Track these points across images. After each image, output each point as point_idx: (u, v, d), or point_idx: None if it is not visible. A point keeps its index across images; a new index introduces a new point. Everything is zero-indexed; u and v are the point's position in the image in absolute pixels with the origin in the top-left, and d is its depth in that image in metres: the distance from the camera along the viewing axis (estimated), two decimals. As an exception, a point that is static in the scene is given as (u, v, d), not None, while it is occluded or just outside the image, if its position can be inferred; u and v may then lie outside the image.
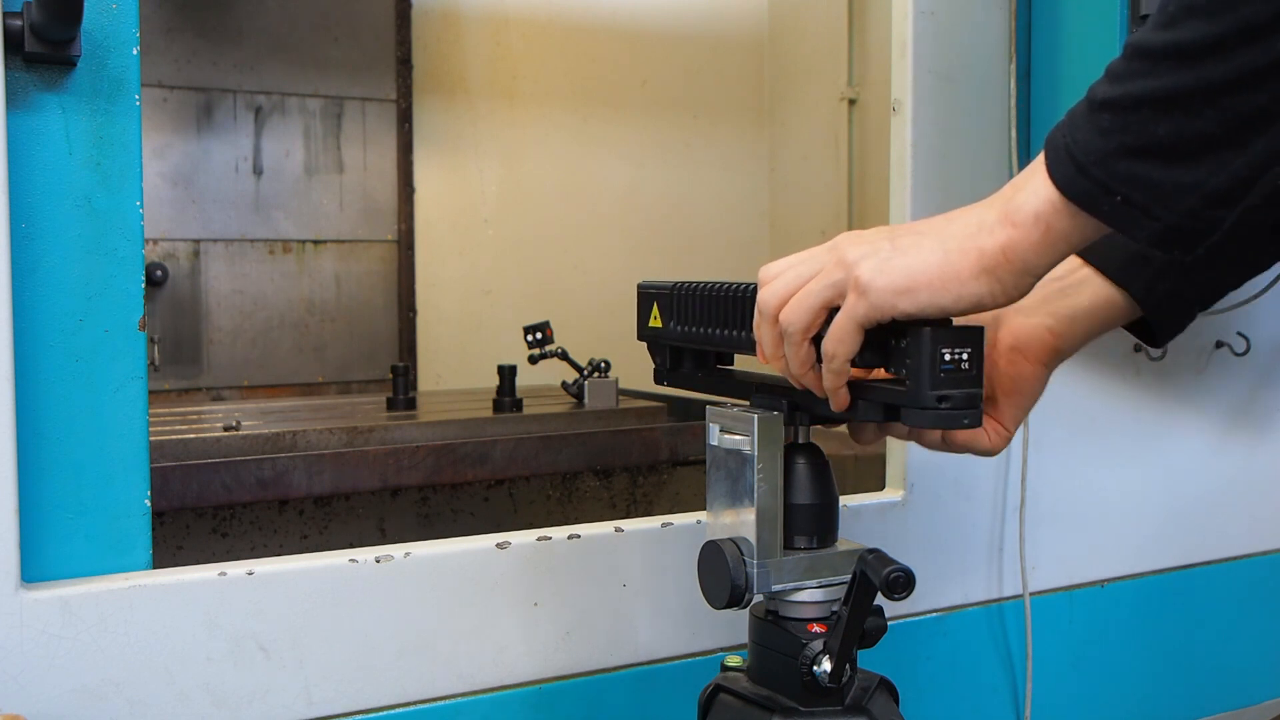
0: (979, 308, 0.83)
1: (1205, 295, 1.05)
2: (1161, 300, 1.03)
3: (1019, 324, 1.03)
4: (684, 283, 1.03)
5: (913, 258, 0.83)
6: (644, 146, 3.54)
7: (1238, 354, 1.80)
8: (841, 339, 0.85)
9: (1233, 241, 1.00)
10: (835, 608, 0.93)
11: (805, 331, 0.87)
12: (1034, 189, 0.80)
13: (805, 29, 3.57)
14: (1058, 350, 1.03)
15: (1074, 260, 1.03)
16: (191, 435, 1.89)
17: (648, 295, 1.08)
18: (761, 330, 0.91)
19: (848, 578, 0.90)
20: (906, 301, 0.82)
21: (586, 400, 2.30)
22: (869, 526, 1.50)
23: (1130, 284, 1.02)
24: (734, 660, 1.02)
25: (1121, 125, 0.75)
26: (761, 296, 0.90)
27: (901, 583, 0.85)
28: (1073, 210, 0.78)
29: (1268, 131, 0.72)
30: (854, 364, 0.86)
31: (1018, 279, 0.82)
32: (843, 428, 1.03)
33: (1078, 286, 1.03)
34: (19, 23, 1.01)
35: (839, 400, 0.89)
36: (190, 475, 1.77)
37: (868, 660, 0.95)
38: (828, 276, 0.86)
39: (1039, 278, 0.82)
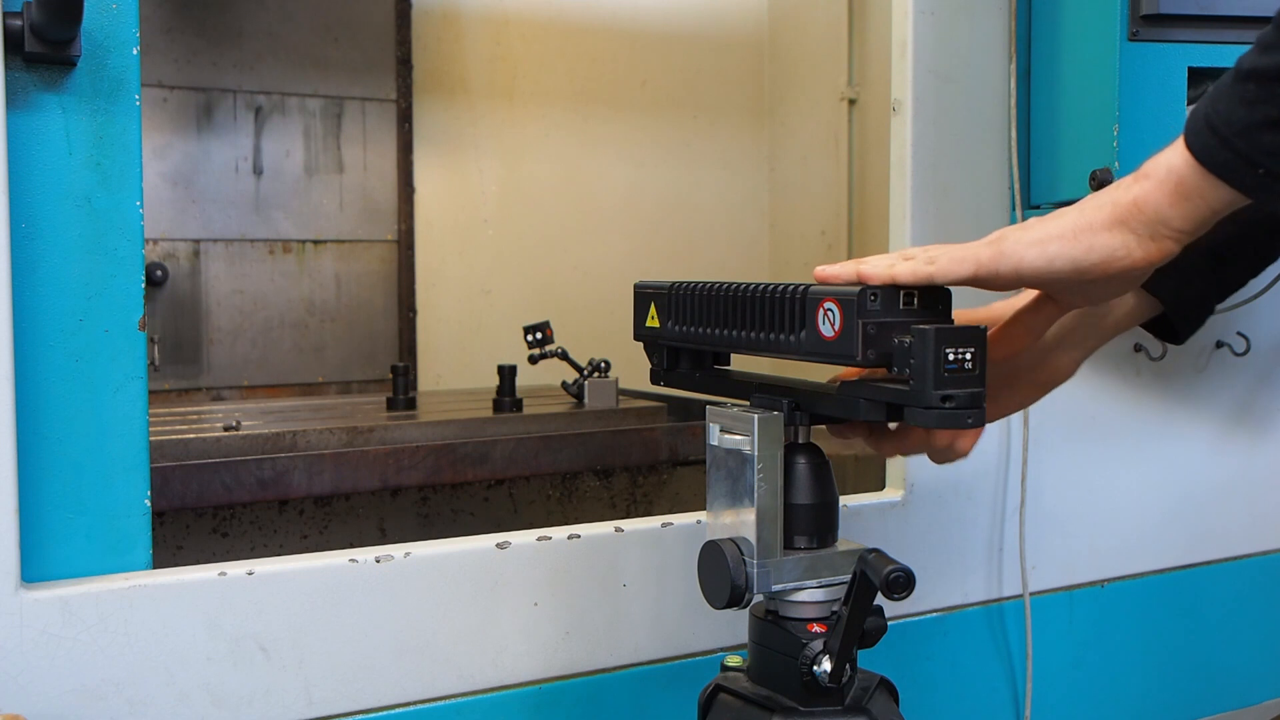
0: (1110, 261, 0.82)
1: (1223, 292, 1.05)
2: (1187, 303, 1.03)
3: (1055, 362, 1.03)
4: (682, 283, 1.03)
5: (1050, 222, 0.85)
6: (644, 146, 3.54)
7: (1238, 354, 1.80)
8: (953, 256, 0.85)
9: (1251, 238, 1.00)
10: (835, 608, 0.93)
11: (937, 277, 0.86)
12: (1171, 153, 0.80)
13: (805, 29, 3.56)
14: (1068, 379, 1.04)
15: None
16: (191, 435, 1.89)
17: (645, 295, 1.08)
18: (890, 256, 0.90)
19: (848, 578, 0.90)
20: (1035, 253, 0.83)
21: (586, 400, 2.30)
22: (869, 526, 1.50)
23: (1160, 290, 1.02)
24: (734, 660, 1.02)
25: (1267, 96, 0.74)
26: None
27: (901, 583, 0.85)
28: (1211, 178, 0.78)
29: None
30: (858, 365, 0.86)
31: (1152, 228, 0.81)
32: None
33: (1116, 304, 1.03)
34: (19, 23, 1.01)
35: (888, 272, 0.87)
36: (190, 475, 1.77)
37: (868, 660, 0.95)
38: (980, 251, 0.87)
39: (1176, 233, 0.82)
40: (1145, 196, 0.81)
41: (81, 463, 1.08)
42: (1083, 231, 0.83)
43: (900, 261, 0.87)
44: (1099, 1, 1.48)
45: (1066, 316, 1.01)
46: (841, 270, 0.90)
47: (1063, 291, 0.91)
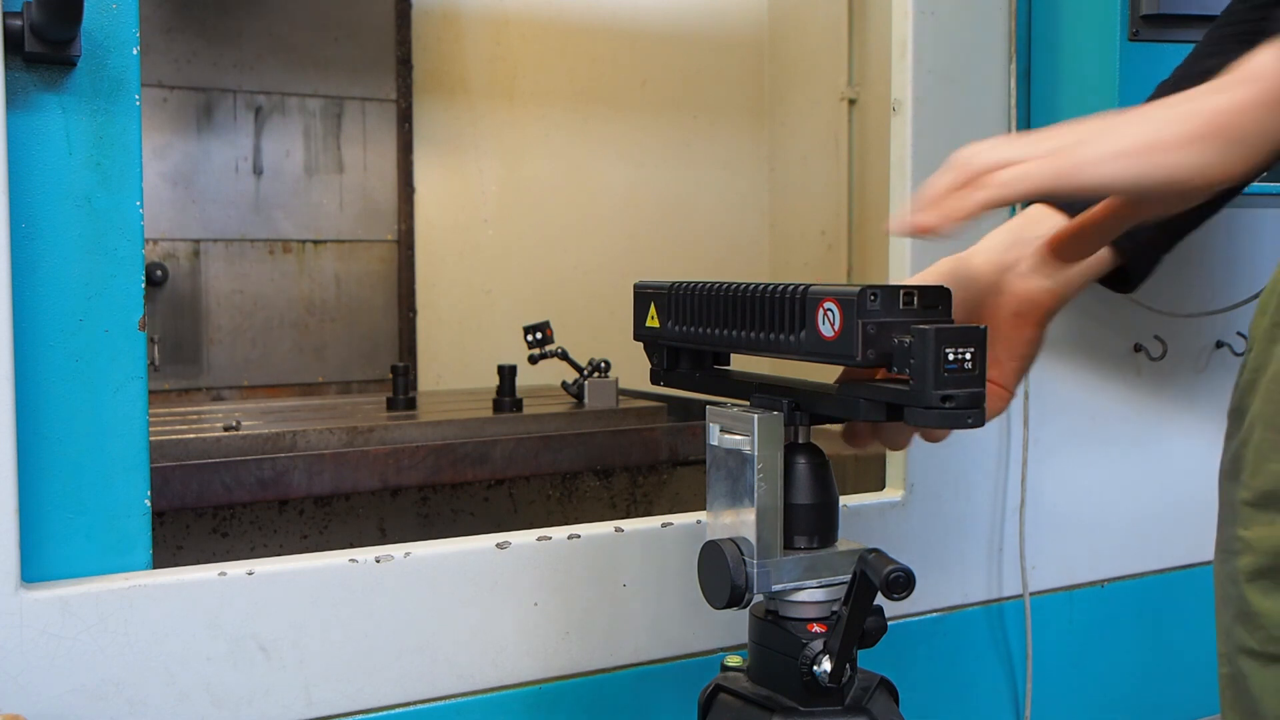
0: (1188, 181, 0.76)
1: (1171, 239, 1.04)
2: (1140, 249, 1.02)
3: (1021, 289, 1.01)
4: (682, 283, 1.03)
5: (1124, 129, 0.78)
6: (644, 146, 3.54)
7: (1238, 354, 1.80)
8: (1025, 174, 0.77)
9: None
10: (835, 608, 0.93)
11: (1001, 200, 0.79)
12: (1266, 55, 0.74)
13: (805, 29, 3.57)
14: (1055, 310, 1.02)
15: (1062, 219, 1.00)
16: (191, 435, 1.89)
17: (645, 295, 1.08)
18: (942, 180, 0.82)
19: (848, 578, 0.90)
20: (1111, 167, 0.77)
21: (586, 400, 2.30)
22: (869, 526, 1.50)
23: (1118, 240, 1.01)
24: (734, 660, 1.02)
25: None
26: (973, 150, 0.82)
27: (901, 582, 0.85)
28: None
29: None
30: (858, 365, 0.86)
31: (1236, 149, 0.75)
32: (836, 427, 1.03)
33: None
34: (19, 23, 1.01)
35: (954, 206, 0.81)
36: (190, 475, 1.77)
37: (868, 660, 0.95)
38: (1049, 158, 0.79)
39: (1256, 155, 0.75)
40: (1237, 104, 0.74)
41: (81, 463, 1.08)
42: (1158, 149, 0.76)
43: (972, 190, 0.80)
44: (1099, 1, 1.48)
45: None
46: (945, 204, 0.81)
47: (1140, 202, 0.85)
